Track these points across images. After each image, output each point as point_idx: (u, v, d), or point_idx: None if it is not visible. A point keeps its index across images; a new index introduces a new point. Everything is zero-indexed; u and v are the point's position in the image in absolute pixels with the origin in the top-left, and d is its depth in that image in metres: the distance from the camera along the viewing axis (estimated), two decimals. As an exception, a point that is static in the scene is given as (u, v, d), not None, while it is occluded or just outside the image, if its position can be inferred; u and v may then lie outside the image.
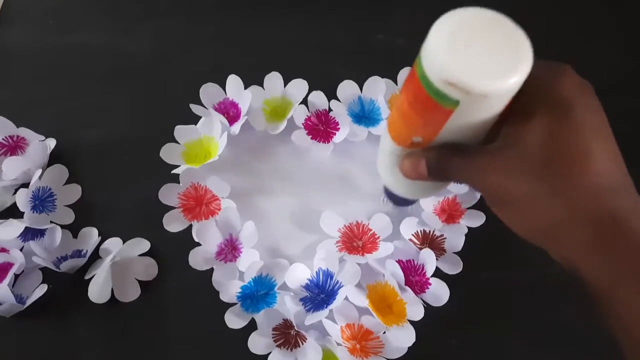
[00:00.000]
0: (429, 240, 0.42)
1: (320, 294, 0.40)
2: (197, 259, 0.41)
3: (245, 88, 0.46)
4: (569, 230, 0.26)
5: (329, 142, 0.46)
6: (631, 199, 0.26)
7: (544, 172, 0.25)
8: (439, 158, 0.28)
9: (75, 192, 0.45)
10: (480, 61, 0.23)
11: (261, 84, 0.47)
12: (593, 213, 0.25)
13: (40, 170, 0.43)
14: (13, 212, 0.42)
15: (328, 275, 0.41)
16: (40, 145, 0.45)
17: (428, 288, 0.41)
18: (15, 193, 0.42)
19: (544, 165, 0.25)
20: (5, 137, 0.45)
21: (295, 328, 0.39)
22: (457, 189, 0.43)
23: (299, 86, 0.47)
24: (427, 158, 0.28)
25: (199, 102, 0.46)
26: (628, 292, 0.25)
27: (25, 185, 0.43)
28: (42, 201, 0.43)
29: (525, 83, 0.24)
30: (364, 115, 0.47)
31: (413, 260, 0.42)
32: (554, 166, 0.25)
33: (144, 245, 0.43)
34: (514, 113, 0.26)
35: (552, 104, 0.25)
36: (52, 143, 0.46)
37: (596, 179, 0.25)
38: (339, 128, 0.46)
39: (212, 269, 0.41)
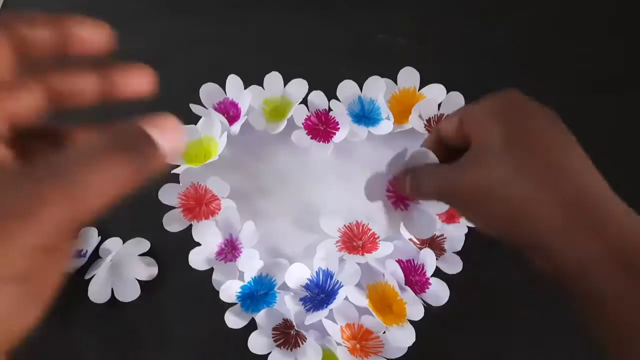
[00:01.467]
0: (428, 240, 0.42)
1: (320, 293, 0.40)
2: (197, 259, 0.41)
3: (245, 88, 0.46)
4: (537, 213, 0.26)
5: (329, 142, 0.46)
6: (595, 180, 0.27)
7: (506, 157, 0.27)
8: (416, 179, 0.32)
9: None
10: None
11: (261, 84, 0.47)
12: (560, 193, 0.26)
13: None
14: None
15: (328, 275, 0.41)
16: None
17: (428, 288, 0.41)
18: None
19: (504, 151, 0.27)
20: None
21: (295, 328, 0.39)
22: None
23: (299, 86, 0.47)
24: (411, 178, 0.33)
25: (199, 102, 0.46)
26: (599, 271, 0.25)
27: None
28: None
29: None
30: (364, 115, 0.47)
31: (413, 260, 0.42)
32: (515, 149, 0.27)
33: (144, 245, 0.43)
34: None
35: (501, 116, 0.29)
36: None
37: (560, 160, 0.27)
38: (339, 128, 0.46)
39: (212, 269, 0.41)
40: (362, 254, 0.41)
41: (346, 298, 0.39)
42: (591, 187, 0.26)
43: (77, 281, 0.41)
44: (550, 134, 0.28)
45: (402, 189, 0.33)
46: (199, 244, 0.42)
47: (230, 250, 0.42)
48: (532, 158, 0.27)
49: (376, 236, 0.42)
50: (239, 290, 0.40)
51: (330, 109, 0.47)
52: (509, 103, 0.29)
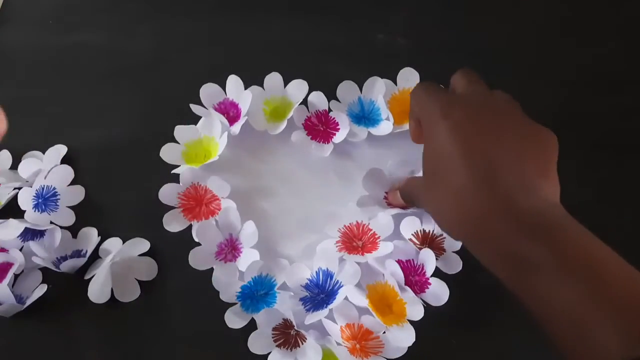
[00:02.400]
0: (428, 240, 0.42)
1: (320, 293, 0.40)
2: (197, 259, 0.41)
3: (245, 88, 0.47)
4: (493, 223, 0.29)
5: (328, 142, 0.46)
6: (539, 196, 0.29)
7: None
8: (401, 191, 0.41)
9: (78, 193, 0.45)
10: None
11: (261, 84, 0.47)
12: (513, 207, 0.28)
13: (46, 171, 0.43)
14: (13, 212, 0.42)
15: (328, 275, 0.41)
16: (56, 150, 0.45)
17: (428, 288, 0.41)
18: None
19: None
20: None
21: (295, 328, 0.39)
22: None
23: (299, 86, 0.47)
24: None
25: (199, 102, 0.46)
26: (549, 279, 0.26)
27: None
28: (45, 200, 0.43)
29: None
30: (364, 116, 0.47)
31: (413, 260, 0.42)
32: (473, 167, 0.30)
33: (144, 245, 0.43)
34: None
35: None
36: (63, 150, 0.46)
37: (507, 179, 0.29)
38: (338, 128, 0.46)
39: (212, 269, 0.41)
40: (362, 254, 0.41)
41: (346, 298, 0.39)
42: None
43: (77, 281, 0.41)
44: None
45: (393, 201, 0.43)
46: (199, 244, 0.42)
47: (230, 250, 0.42)
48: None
49: (376, 236, 0.42)
50: (239, 290, 0.40)
51: (330, 110, 0.47)
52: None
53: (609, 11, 0.54)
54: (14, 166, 0.45)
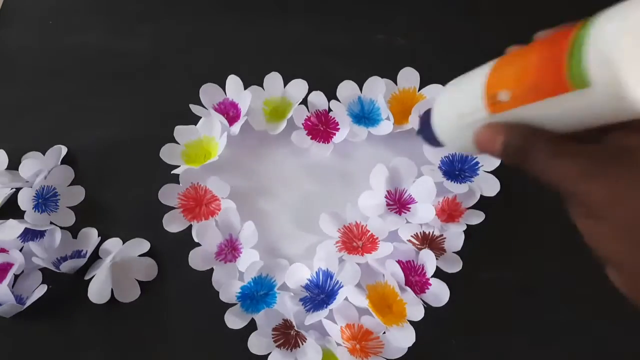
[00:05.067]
0: (428, 240, 0.42)
1: (320, 294, 0.40)
2: (197, 259, 0.41)
3: (245, 88, 0.46)
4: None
5: (328, 142, 0.46)
6: None
7: None
8: (523, 141, 0.23)
9: (78, 194, 0.45)
10: None
11: (261, 84, 0.47)
12: None
13: (46, 171, 0.43)
14: (13, 212, 0.42)
15: (328, 275, 0.41)
16: (55, 150, 0.45)
17: (428, 288, 0.41)
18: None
19: None
20: None
21: (295, 328, 0.39)
22: (456, 190, 0.43)
23: (299, 86, 0.47)
24: (508, 136, 0.24)
25: (198, 102, 0.46)
26: None
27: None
28: (45, 200, 0.43)
29: None
30: (364, 116, 0.47)
31: (413, 260, 0.42)
32: None
33: (144, 245, 0.43)
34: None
35: None
36: (63, 150, 0.46)
37: None
38: (338, 128, 0.46)
39: (212, 269, 0.41)
40: (362, 254, 0.41)
41: (346, 298, 0.39)
42: None
43: (77, 281, 0.41)
44: None
45: (488, 141, 0.25)
46: (199, 244, 0.42)
47: (230, 250, 0.42)
48: None
49: (375, 237, 0.42)
50: (239, 290, 0.40)
51: (330, 109, 0.47)
52: None
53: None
54: (13, 166, 0.45)
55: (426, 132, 0.32)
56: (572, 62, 0.20)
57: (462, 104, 0.28)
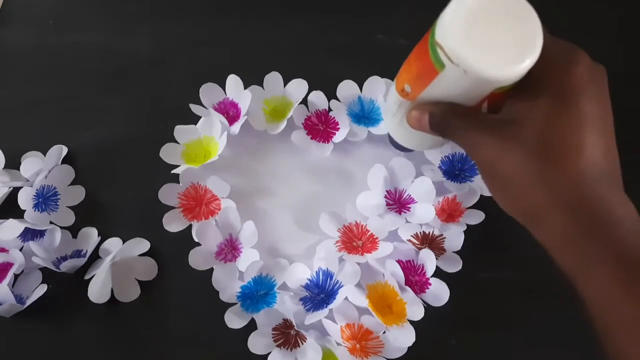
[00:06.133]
0: (428, 240, 0.42)
1: (320, 293, 0.40)
2: (197, 259, 0.41)
3: (245, 88, 0.46)
4: (549, 216, 0.26)
5: (328, 142, 0.46)
6: (616, 192, 0.26)
7: (535, 157, 0.26)
8: (441, 115, 0.29)
9: (78, 193, 0.45)
10: (488, 45, 0.24)
11: (261, 84, 0.47)
12: (574, 201, 0.26)
13: (46, 171, 0.43)
14: (13, 212, 0.42)
15: (328, 275, 0.41)
16: (56, 150, 0.45)
17: (428, 288, 0.41)
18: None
19: (536, 151, 0.26)
20: None
21: (295, 328, 0.39)
22: (456, 189, 0.43)
23: (299, 86, 0.47)
24: (431, 112, 0.29)
25: (198, 102, 0.46)
26: (598, 278, 0.26)
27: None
28: (45, 200, 0.43)
29: (538, 61, 0.25)
30: (364, 115, 0.47)
31: (413, 260, 0.42)
32: (545, 153, 0.26)
33: (144, 245, 0.43)
34: (522, 88, 0.27)
35: (559, 90, 0.26)
36: (64, 150, 0.46)
37: (583, 170, 0.26)
38: (338, 128, 0.46)
39: (212, 269, 0.41)
40: (362, 254, 0.41)
41: (346, 298, 0.39)
42: (607, 199, 0.26)
43: (77, 281, 0.41)
44: (590, 143, 0.26)
45: (417, 120, 0.30)
46: (199, 244, 0.42)
47: (230, 250, 0.42)
48: (557, 167, 0.26)
49: (375, 236, 0.42)
50: (239, 290, 0.40)
51: (330, 109, 0.47)
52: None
53: (609, 11, 0.54)
54: (13, 166, 0.45)
55: (393, 142, 0.37)
56: (431, 51, 0.26)
57: (390, 105, 0.34)
